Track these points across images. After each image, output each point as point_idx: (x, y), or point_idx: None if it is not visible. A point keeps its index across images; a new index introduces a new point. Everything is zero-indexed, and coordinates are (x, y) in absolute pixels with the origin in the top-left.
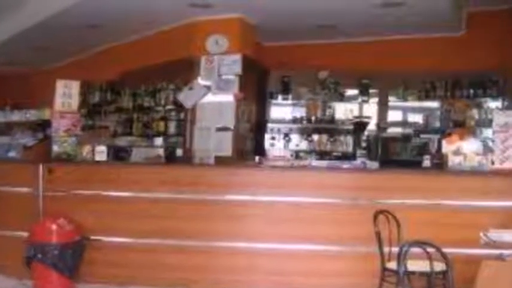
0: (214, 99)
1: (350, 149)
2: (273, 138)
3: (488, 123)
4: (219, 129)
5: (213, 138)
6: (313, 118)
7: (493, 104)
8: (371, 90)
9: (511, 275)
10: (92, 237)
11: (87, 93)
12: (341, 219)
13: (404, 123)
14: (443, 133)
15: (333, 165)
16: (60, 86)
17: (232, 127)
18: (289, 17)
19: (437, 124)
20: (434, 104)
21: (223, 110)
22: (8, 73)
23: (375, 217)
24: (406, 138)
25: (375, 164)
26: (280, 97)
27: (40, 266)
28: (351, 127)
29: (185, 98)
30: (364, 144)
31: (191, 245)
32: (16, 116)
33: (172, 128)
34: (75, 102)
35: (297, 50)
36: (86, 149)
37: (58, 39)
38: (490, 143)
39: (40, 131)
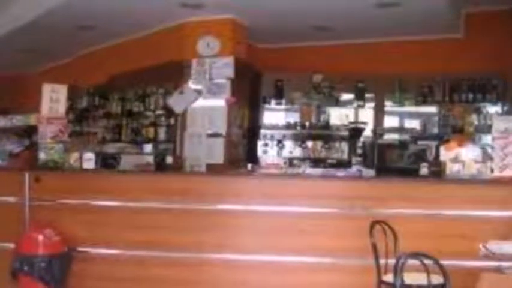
0: (205, 104)
1: (345, 156)
2: (266, 144)
3: (488, 129)
4: (210, 136)
5: (204, 144)
6: (307, 124)
7: (493, 108)
8: (367, 95)
9: None
10: (79, 249)
11: (75, 98)
12: (336, 230)
13: (401, 129)
14: (442, 139)
15: (327, 173)
16: (47, 90)
17: (224, 133)
18: (282, 18)
19: (435, 130)
20: (432, 109)
21: (214, 116)
22: None
23: (371, 227)
24: (403, 145)
25: (370, 172)
26: (273, 102)
27: (27, 278)
28: (346, 133)
29: (175, 102)
30: (359, 151)
31: (182, 256)
32: (1, 122)
33: (162, 134)
34: (62, 107)
35: (290, 53)
36: (74, 157)
37: (45, 42)
38: (490, 150)
39: (26, 137)
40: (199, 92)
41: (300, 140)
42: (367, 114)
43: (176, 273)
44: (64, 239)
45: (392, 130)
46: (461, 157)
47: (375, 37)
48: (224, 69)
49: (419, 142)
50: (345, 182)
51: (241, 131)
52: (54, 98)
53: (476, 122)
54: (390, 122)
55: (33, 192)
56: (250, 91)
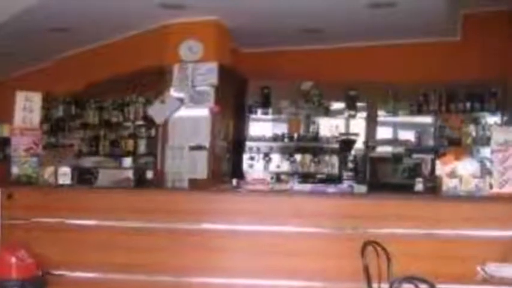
0: (187, 113)
1: (335, 170)
2: (252, 158)
3: (487, 141)
4: (193, 148)
5: (186, 158)
6: (295, 135)
7: (492, 119)
8: (358, 104)
9: None
10: (54, 272)
11: (50, 107)
12: (325, 251)
13: (394, 141)
14: (437, 153)
15: (317, 190)
16: (21, 98)
17: (207, 146)
18: (269, 20)
19: (431, 142)
20: (427, 119)
21: (197, 126)
22: None
23: (363, 249)
24: (396, 158)
25: (362, 188)
26: (259, 111)
27: None
28: (336, 146)
29: (156, 112)
30: (350, 165)
31: (163, 280)
32: None
33: (142, 146)
34: (36, 117)
35: (278, 57)
36: (48, 171)
37: (17, 45)
38: (488, 164)
39: None
40: (181, 101)
41: (287, 153)
42: (358, 125)
43: None
44: (38, 262)
45: (386, 142)
46: (459, 172)
47: (367, 40)
48: (208, 75)
49: (414, 155)
50: (335, 199)
51: (225, 143)
52: (27, 107)
53: (474, 133)
54: (383, 133)
55: (5, 210)
56: (235, 99)
